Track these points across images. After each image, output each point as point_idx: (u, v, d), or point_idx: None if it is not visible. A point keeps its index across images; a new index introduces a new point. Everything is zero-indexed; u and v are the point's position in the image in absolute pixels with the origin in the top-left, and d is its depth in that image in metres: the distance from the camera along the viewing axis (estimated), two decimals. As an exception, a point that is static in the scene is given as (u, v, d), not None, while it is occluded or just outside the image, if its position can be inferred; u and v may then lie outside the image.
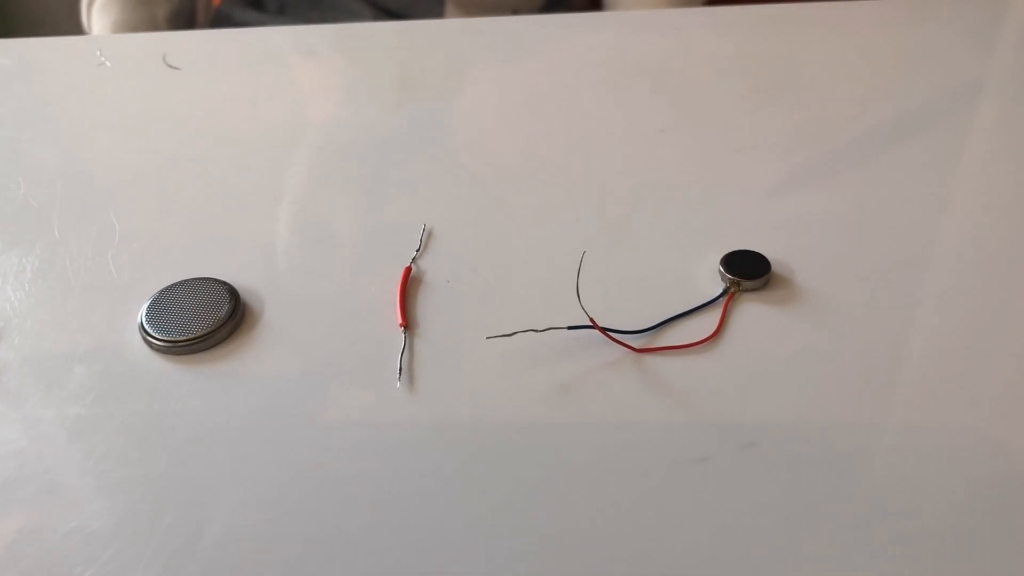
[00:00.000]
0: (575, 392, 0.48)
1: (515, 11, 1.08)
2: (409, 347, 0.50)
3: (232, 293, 0.53)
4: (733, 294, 0.52)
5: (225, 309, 0.52)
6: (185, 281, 0.54)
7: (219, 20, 1.14)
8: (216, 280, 0.54)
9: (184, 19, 1.13)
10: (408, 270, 0.55)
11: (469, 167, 0.66)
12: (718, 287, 0.53)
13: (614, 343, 0.49)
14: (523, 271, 0.55)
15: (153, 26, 1.06)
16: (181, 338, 0.50)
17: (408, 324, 0.52)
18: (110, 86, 0.79)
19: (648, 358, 0.49)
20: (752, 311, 0.52)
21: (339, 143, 0.70)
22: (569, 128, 0.70)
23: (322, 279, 0.56)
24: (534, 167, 0.66)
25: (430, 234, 0.59)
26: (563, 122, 0.71)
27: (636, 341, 0.50)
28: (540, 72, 0.78)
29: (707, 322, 0.51)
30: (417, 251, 0.57)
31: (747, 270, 0.53)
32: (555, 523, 0.41)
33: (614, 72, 0.77)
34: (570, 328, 0.50)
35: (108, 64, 0.82)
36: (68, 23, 1.30)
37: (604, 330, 0.49)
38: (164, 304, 0.53)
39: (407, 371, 0.49)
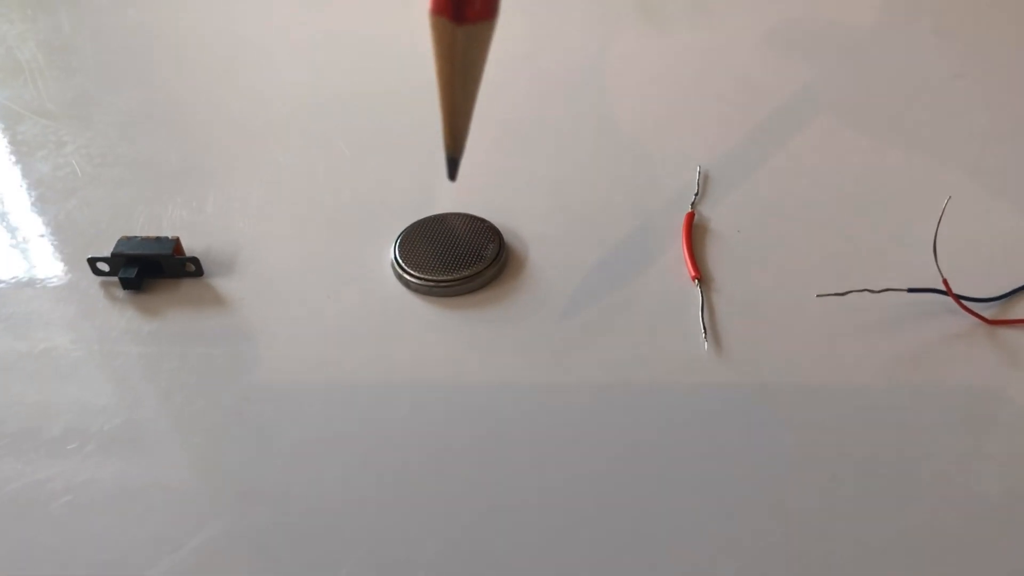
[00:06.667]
0: (915, 365, 0.40)
1: None
2: (707, 303, 0.43)
3: (495, 232, 0.47)
4: (1101, 261, 0.43)
5: (490, 249, 0.45)
6: (442, 216, 0.48)
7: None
8: (476, 217, 0.48)
9: None
10: (691, 216, 0.48)
11: (736, 102, 0.58)
12: (1082, 251, 0.44)
13: (962, 311, 0.41)
14: (820, 221, 0.48)
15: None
16: (445, 278, 0.44)
17: (702, 277, 0.44)
18: (337, 7, 0.74)
19: (1004, 332, 0.41)
20: None
21: (586, 74, 0.63)
22: (858, 58, 0.61)
23: (590, 223, 0.49)
24: (815, 100, 0.57)
25: (706, 177, 0.51)
26: (844, 52, 0.62)
27: (988, 310, 0.42)
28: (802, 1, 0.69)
29: (1075, 292, 0.42)
30: (696, 195, 0.49)
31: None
32: (898, 510, 0.34)
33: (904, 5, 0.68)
34: (911, 291, 0.41)
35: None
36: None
37: (957, 296, 0.41)
38: (417, 239, 0.46)
39: (711, 330, 0.42)
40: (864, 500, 0.34)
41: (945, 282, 0.40)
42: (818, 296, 0.42)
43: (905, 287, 0.41)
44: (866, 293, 0.41)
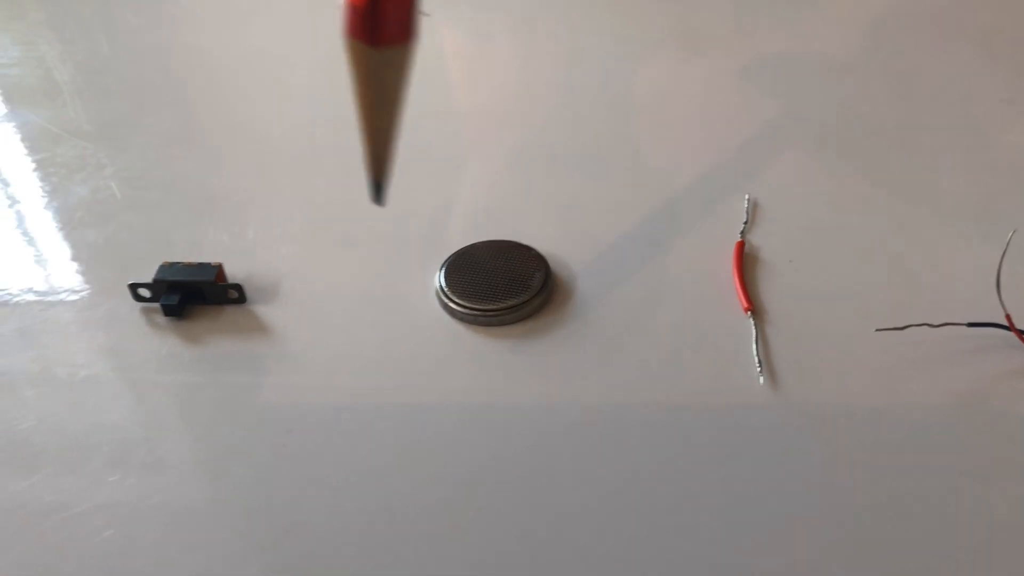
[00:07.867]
0: (976, 400, 0.39)
1: None
2: (761, 336, 0.42)
3: (542, 261, 0.46)
4: None
5: (537, 278, 0.45)
6: (488, 243, 0.47)
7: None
8: (522, 245, 0.47)
9: None
10: (740, 245, 0.47)
11: (784, 127, 0.57)
12: None
13: (1026, 348, 0.40)
14: (874, 252, 0.46)
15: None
16: (491, 307, 0.43)
17: (755, 308, 0.43)
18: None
19: (1070, 369, 0.40)
20: None
21: (632, 100, 0.62)
22: (898, 84, 0.60)
23: (638, 251, 0.48)
24: (865, 126, 0.56)
25: (755, 205, 0.50)
26: (893, 76, 0.61)
27: (1052, 347, 0.40)
28: (848, 24, 0.68)
29: None
30: (745, 224, 0.49)
31: None
32: (961, 546, 0.33)
33: (940, 31, 0.67)
34: (971, 325, 0.40)
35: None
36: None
37: (1020, 332, 0.39)
38: (463, 267, 0.46)
39: (765, 363, 0.41)
40: (927, 537, 0.33)
41: (1008, 317, 0.39)
42: (877, 331, 0.40)
43: (964, 321, 0.40)
44: (925, 327, 0.40)
